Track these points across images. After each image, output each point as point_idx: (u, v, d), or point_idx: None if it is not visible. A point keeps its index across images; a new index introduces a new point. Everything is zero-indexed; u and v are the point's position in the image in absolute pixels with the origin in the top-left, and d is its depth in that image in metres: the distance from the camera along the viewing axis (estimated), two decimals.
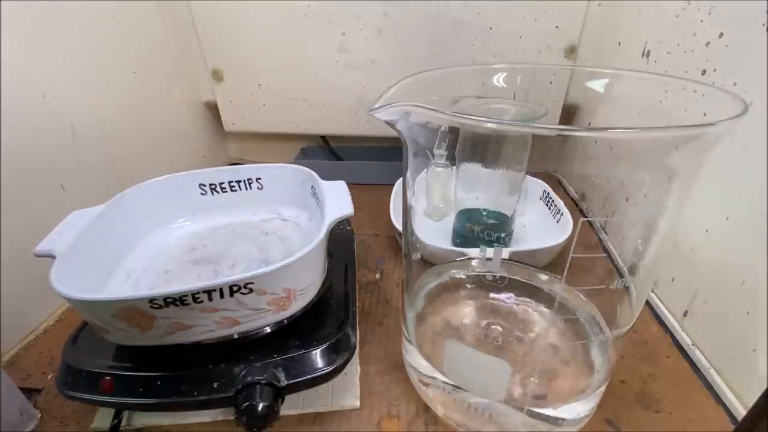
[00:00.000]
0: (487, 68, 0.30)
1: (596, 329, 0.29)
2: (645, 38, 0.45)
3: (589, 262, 0.25)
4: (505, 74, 0.30)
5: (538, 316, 0.33)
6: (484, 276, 0.33)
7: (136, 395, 0.27)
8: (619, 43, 0.52)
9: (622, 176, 0.29)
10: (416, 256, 0.31)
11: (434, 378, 0.29)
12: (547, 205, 0.46)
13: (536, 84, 0.31)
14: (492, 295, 0.34)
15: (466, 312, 0.34)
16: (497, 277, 0.31)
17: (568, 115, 0.61)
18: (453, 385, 0.27)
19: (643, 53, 0.45)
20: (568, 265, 0.28)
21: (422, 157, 0.28)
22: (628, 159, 0.22)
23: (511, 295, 0.34)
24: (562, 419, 0.27)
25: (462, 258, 0.38)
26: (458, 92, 0.31)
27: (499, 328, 0.32)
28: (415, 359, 0.30)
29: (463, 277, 0.37)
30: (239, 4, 0.58)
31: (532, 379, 0.28)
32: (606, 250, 0.27)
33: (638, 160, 0.22)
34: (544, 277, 0.35)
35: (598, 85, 0.29)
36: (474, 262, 0.37)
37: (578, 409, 0.27)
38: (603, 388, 0.28)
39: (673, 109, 0.25)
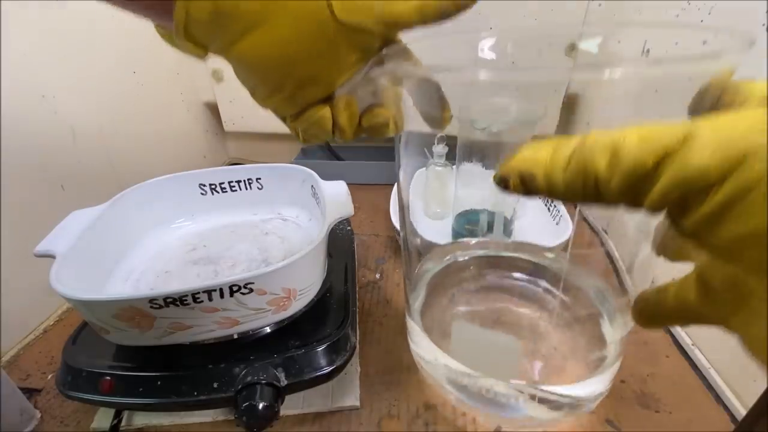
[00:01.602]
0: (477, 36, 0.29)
1: (605, 303, 0.29)
2: (645, 38, 0.45)
3: (588, 259, 0.24)
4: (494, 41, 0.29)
5: (543, 293, 0.32)
6: (487, 256, 0.32)
7: (136, 395, 0.27)
8: (619, 43, 0.52)
9: None
10: (416, 241, 0.31)
11: (446, 366, 0.28)
12: (546, 206, 0.46)
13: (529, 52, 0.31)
14: (496, 274, 0.34)
15: (471, 293, 0.33)
16: (501, 256, 0.31)
17: (568, 112, 0.61)
18: (463, 372, 0.27)
19: (643, 53, 0.45)
20: (570, 242, 0.28)
21: (420, 155, 0.28)
22: None
23: (516, 273, 0.33)
24: (577, 397, 0.26)
25: (463, 239, 0.37)
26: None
27: (504, 307, 0.31)
28: (422, 347, 0.30)
29: (466, 258, 0.37)
30: None
31: (542, 357, 0.27)
32: (604, 245, 0.27)
33: None
34: (549, 255, 0.34)
35: (597, 82, 0.29)
36: (473, 242, 0.36)
37: (592, 387, 0.26)
38: (617, 365, 0.27)
39: (674, 103, 0.25)
